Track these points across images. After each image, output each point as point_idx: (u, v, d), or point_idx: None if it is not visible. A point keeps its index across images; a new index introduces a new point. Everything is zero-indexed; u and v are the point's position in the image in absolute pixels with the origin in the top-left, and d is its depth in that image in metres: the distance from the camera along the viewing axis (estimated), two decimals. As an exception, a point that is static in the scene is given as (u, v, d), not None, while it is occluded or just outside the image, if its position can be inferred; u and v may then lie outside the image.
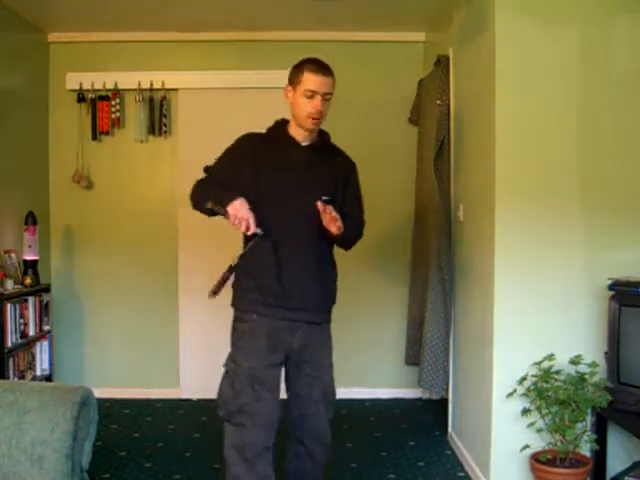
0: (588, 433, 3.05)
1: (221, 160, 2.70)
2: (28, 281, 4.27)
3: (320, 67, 2.56)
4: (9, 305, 3.95)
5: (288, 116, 2.71)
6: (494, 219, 3.23)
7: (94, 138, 4.95)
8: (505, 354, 3.24)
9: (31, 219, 4.34)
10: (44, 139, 5.00)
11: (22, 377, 4.14)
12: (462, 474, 3.63)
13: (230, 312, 2.72)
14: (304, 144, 2.65)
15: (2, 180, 4.31)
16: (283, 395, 2.69)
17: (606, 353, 3.04)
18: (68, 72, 4.93)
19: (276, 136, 2.67)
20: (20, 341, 4.10)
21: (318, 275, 2.64)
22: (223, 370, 2.64)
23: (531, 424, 3.14)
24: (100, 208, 5.02)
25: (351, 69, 4.66)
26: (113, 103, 4.92)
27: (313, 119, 2.56)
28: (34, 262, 4.33)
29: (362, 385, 5.02)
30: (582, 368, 3.08)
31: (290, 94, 2.61)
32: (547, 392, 3.05)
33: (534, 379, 3.12)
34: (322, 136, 2.72)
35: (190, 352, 5.00)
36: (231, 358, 2.62)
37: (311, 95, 2.54)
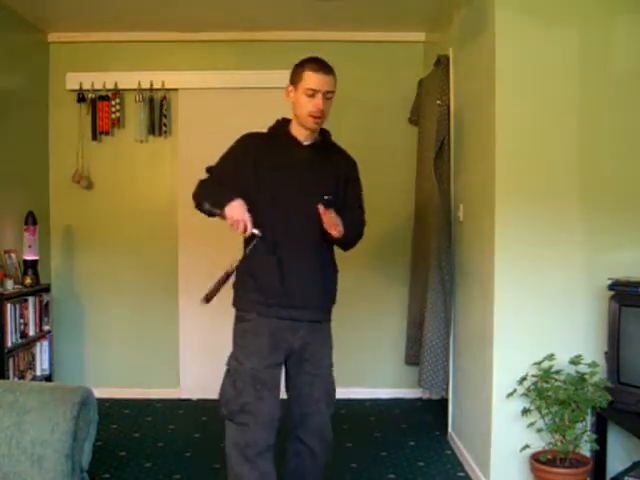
0: (588, 433, 3.05)
1: (223, 160, 2.70)
2: (28, 281, 4.27)
3: (321, 66, 2.57)
4: (9, 305, 3.95)
5: (288, 116, 2.71)
6: (494, 219, 3.23)
7: (94, 138, 4.95)
8: (505, 354, 3.24)
9: (31, 219, 4.34)
10: (44, 139, 5.00)
11: (22, 377, 4.14)
12: (462, 474, 3.63)
13: (230, 312, 2.72)
14: (305, 143, 2.66)
15: (2, 180, 4.31)
16: (283, 395, 2.69)
17: (606, 353, 3.04)
18: (68, 72, 4.93)
19: (277, 135, 2.68)
20: (20, 341, 4.10)
21: (319, 274, 2.65)
22: (225, 369, 2.65)
23: (531, 424, 3.14)
24: (100, 208, 5.02)
25: (351, 69, 4.66)
26: (113, 103, 4.92)
27: (314, 118, 2.57)
28: (34, 262, 4.33)
29: (362, 385, 5.02)
30: (582, 368, 3.08)
31: (292, 93, 2.62)
32: (547, 392, 3.05)
33: (534, 379, 3.12)
34: (323, 135, 2.72)
35: (190, 352, 5.00)
36: (233, 357, 2.64)
37: (312, 94, 2.55)
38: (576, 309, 3.23)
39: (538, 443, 3.13)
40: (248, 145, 2.67)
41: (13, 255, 4.31)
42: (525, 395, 3.15)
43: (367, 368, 5.06)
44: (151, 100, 4.95)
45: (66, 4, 4.36)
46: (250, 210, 2.51)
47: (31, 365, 4.33)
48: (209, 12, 4.49)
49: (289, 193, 2.61)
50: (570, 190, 3.23)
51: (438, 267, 3.98)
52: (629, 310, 2.93)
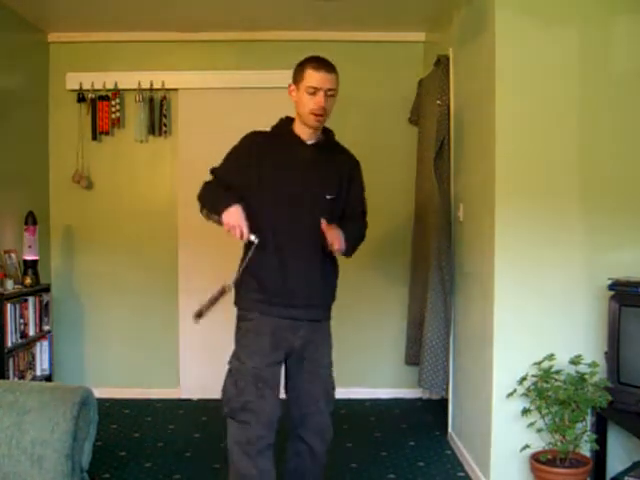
0: (588, 433, 3.05)
1: (226, 160, 2.71)
2: (28, 281, 4.27)
3: (322, 64, 2.58)
4: (9, 305, 3.95)
5: (289, 116, 2.72)
6: (494, 219, 3.23)
7: (94, 138, 4.95)
8: (505, 354, 3.24)
9: (31, 219, 4.34)
10: (44, 139, 5.00)
11: (22, 377, 4.14)
12: (462, 474, 3.63)
13: (230, 312, 2.73)
14: (309, 142, 2.66)
15: (2, 180, 4.31)
16: (282, 395, 2.70)
17: (606, 353, 3.04)
18: (68, 72, 4.93)
19: (281, 134, 2.68)
20: (20, 341, 4.10)
21: (321, 273, 2.66)
22: (227, 368, 2.67)
23: (531, 424, 3.14)
24: (100, 208, 5.02)
25: (351, 69, 4.63)
26: (113, 103, 4.92)
27: (316, 115, 2.57)
28: (34, 262, 4.33)
29: (362, 385, 5.02)
30: (582, 368, 3.08)
31: (294, 92, 2.63)
32: (547, 392, 3.05)
33: (534, 379, 3.12)
34: (327, 134, 2.73)
35: (190, 352, 5.00)
36: (235, 356, 2.65)
37: (313, 92, 2.55)
38: (576, 309, 3.23)
39: (538, 443, 3.13)
40: (251, 144, 2.68)
41: (13, 255, 4.32)
42: (525, 395, 3.15)
43: (367, 368, 5.06)
44: (151, 100, 4.95)
45: (66, 4, 4.36)
46: (249, 215, 2.52)
47: (31, 365, 4.33)
48: (209, 12, 4.49)
49: (292, 192, 2.61)
50: (570, 190, 3.23)
51: (438, 267, 3.98)
52: (629, 310, 2.93)
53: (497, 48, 3.20)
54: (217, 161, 2.75)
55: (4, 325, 3.88)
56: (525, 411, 3.12)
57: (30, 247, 4.31)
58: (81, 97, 4.93)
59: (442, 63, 4.08)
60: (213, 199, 2.59)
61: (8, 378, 3.92)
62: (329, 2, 4.19)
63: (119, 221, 5.04)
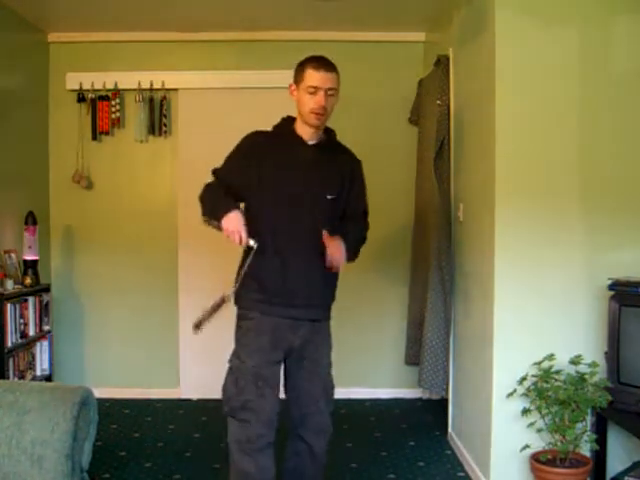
0: (588, 433, 3.05)
1: (228, 160, 2.72)
2: (28, 281, 4.27)
3: (322, 63, 2.58)
4: (9, 305, 3.95)
5: (289, 115, 2.72)
6: (494, 219, 3.23)
7: (94, 138, 4.95)
8: (505, 354, 3.24)
9: (31, 219, 4.34)
10: (44, 139, 5.00)
11: (22, 377, 4.14)
12: (462, 474, 3.63)
13: (231, 311, 2.72)
14: (311, 143, 2.67)
15: (2, 180, 4.31)
16: (282, 395, 2.70)
17: (606, 353, 3.04)
18: (68, 72, 4.93)
19: (283, 134, 2.69)
20: (20, 341, 4.10)
21: (321, 273, 2.66)
22: (227, 366, 2.67)
23: (531, 424, 3.14)
24: (100, 208, 5.02)
25: (351, 69, 4.61)
26: (113, 103, 4.92)
27: (316, 114, 2.57)
28: (34, 262, 4.33)
29: (362, 385, 5.02)
30: (582, 368, 3.08)
31: (295, 92, 2.64)
32: (547, 392, 3.05)
33: (534, 379, 3.12)
34: (328, 134, 2.74)
35: (190, 352, 5.00)
36: (235, 355, 2.66)
37: (314, 91, 2.56)
38: (576, 309, 3.23)
39: (538, 443, 3.13)
40: (253, 144, 2.68)
41: (13, 255, 4.31)
42: (525, 395, 3.15)
43: (367, 368, 5.06)
44: (151, 100, 4.95)
45: (66, 4, 4.36)
46: (248, 219, 2.53)
47: (31, 365, 4.33)
48: (209, 12, 4.49)
49: (292, 192, 2.62)
50: (570, 190, 3.23)
51: (438, 267, 3.98)
52: (629, 310, 2.93)
53: (497, 48, 3.20)
54: (217, 161, 2.75)
55: (4, 325, 3.88)
56: (525, 411, 3.12)
57: (30, 247, 4.31)
58: (81, 97, 4.93)
59: (442, 63, 4.08)
60: (213, 205, 2.60)
61: (8, 378, 3.92)
62: (329, 2, 4.19)
63: (119, 221, 5.04)
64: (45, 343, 4.46)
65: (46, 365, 4.46)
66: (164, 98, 4.95)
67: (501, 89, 3.21)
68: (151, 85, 4.91)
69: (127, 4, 4.32)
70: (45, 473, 1.99)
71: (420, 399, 5.03)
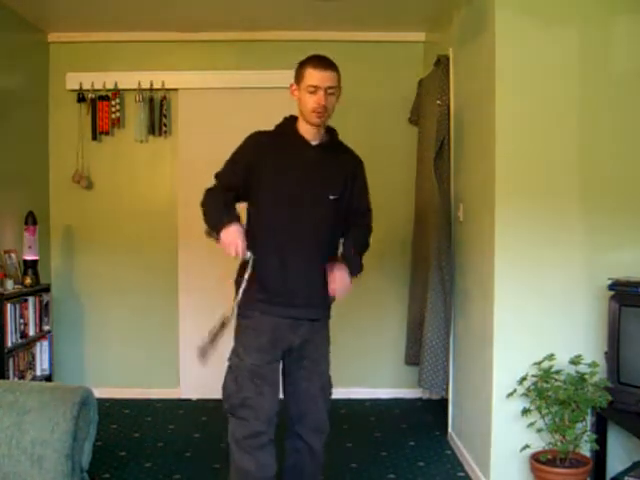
0: (588, 433, 3.05)
1: (230, 162, 2.72)
2: (28, 281, 4.27)
3: (321, 62, 2.59)
4: (9, 305, 3.95)
5: (289, 116, 2.72)
6: (494, 219, 3.23)
7: (94, 138, 4.95)
8: (505, 354, 3.24)
9: (31, 219, 4.34)
10: (44, 139, 5.00)
11: (22, 377, 4.14)
12: (462, 474, 3.63)
13: (230, 312, 2.72)
14: (313, 143, 2.67)
15: (2, 180, 4.31)
16: (281, 395, 2.71)
17: (606, 353, 3.04)
18: (68, 72, 4.93)
19: (285, 134, 2.69)
20: (20, 341, 4.09)
21: (321, 274, 2.66)
22: (227, 365, 2.69)
23: (531, 424, 3.14)
24: (100, 208, 5.02)
25: (351, 69, 4.60)
26: (113, 103, 4.92)
27: (317, 113, 2.58)
28: (34, 262, 4.33)
29: (362, 385, 5.02)
30: (582, 368, 3.08)
31: (296, 92, 2.64)
32: (547, 392, 3.05)
33: (534, 379, 3.12)
34: (331, 134, 2.74)
35: (190, 352, 4.95)
36: (235, 353, 2.67)
37: (314, 90, 2.56)
38: (576, 309, 3.23)
39: (538, 443, 3.13)
40: (254, 144, 2.69)
41: (13, 255, 4.31)
42: (525, 395, 3.15)
43: (367, 368, 5.06)
44: (151, 100, 4.95)
45: (66, 4, 4.36)
46: (247, 232, 2.56)
47: (31, 365, 4.33)
48: (209, 12, 4.49)
49: (292, 192, 2.62)
50: (570, 190, 3.23)
51: (438, 267, 3.98)
52: (629, 310, 2.93)
53: (497, 48, 3.20)
54: (217, 161, 2.75)
55: (4, 325, 3.87)
56: (525, 411, 3.12)
57: (30, 247, 4.31)
58: (81, 97, 4.93)
59: (442, 63, 4.08)
60: (212, 217, 2.61)
61: (8, 378, 3.92)
62: (329, 2, 4.19)
63: (119, 221, 5.04)
64: (45, 343, 4.46)
65: (46, 365, 4.46)
66: (164, 98, 4.95)
67: (501, 89, 3.21)
68: (151, 85, 4.91)
69: (127, 4, 4.32)
70: (45, 473, 1.99)
71: (420, 399, 5.03)
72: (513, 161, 3.22)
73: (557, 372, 3.08)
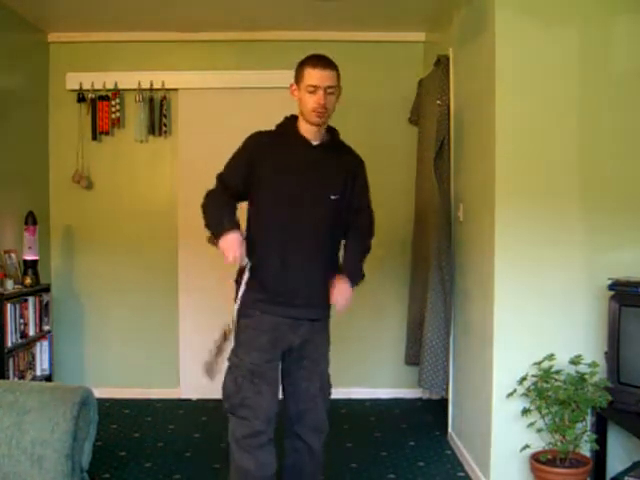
0: (588, 433, 3.05)
1: (231, 163, 2.72)
2: (28, 281, 4.27)
3: (321, 62, 2.59)
4: (9, 305, 3.95)
5: (289, 116, 2.72)
6: (494, 219, 3.23)
7: (94, 138, 4.95)
8: (505, 354, 3.24)
9: (31, 219, 4.34)
10: (44, 139, 5.00)
11: (22, 377, 4.14)
12: (462, 474, 3.63)
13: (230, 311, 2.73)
14: (315, 143, 2.67)
15: (2, 180, 4.31)
16: (280, 395, 2.71)
17: (606, 353, 3.04)
18: (68, 72, 4.93)
19: (286, 134, 2.69)
20: (20, 341, 4.10)
21: (322, 274, 2.67)
22: (226, 364, 2.68)
23: (531, 424, 3.14)
24: (100, 208, 5.02)
25: (351, 69, 4.60)
26: (113, 103, 4.92)
27: (317, 113, 2.58)
28: (34, 262, 4.33)
29: (362, 385, 5.02)
30: (582, 368, 3.08)
31: (296, 92, 2.65)
32: (547, 392, 3.05)
33: (534, 379, 3.12)
34: (332, 134, 2.74)
35: (190, 352, 5.00)
36: (234, 352, 2.67)
37: (313, 90, 2.57)
38: (576, 309, 3.23)
39: (538, 443, 3.13)
40: (255, 144, 2.69)
41: (13, 255, 4.31)
42: (525, 395, 3.15)
43: (367, 368, 5.06)
44: (151, 100, 4.95)
45: (66, 4, 4.36)
46: (247, 238, 2.57)
47: (31, 365, 4.33)
48: (209, 12, 4.49)
49: (292, 192, 2.63)
50: (570, 190, 3.23)
51: (438, 267, 3.98)
52: (629, 310, 2.93)
53: (497, 48, 3.20)
54: (217, 161, 2.75)
55: (4, 325, 3.87)
56: (525, 411, 3.12)
57: (30, 247, 4.31)
58: (81, 97, 4.93)
59: (442, 63, 4.08)
60: (212, 222, 2.61)
61: (8, 378, 3.92)
62: (329, 2, 4.19)
63: (119, 221, 5.04)
64: (45, 343, 4.46)
65: (46, 365, 4.46)
66: (164, 98, 4.95)
67: (501, 89, 3.21)
68: (151, 85, 4.91)
69: (127, 4, 4.32)
70: (45, 473, 1.99)
71: (420, 399, 5.03)
72: (513, 161, 3.22)
73: (557, 372, 3.08)
